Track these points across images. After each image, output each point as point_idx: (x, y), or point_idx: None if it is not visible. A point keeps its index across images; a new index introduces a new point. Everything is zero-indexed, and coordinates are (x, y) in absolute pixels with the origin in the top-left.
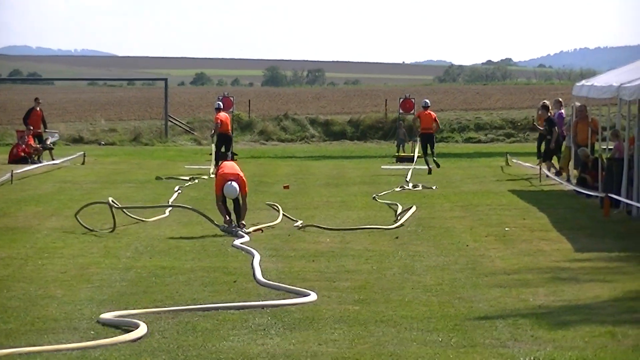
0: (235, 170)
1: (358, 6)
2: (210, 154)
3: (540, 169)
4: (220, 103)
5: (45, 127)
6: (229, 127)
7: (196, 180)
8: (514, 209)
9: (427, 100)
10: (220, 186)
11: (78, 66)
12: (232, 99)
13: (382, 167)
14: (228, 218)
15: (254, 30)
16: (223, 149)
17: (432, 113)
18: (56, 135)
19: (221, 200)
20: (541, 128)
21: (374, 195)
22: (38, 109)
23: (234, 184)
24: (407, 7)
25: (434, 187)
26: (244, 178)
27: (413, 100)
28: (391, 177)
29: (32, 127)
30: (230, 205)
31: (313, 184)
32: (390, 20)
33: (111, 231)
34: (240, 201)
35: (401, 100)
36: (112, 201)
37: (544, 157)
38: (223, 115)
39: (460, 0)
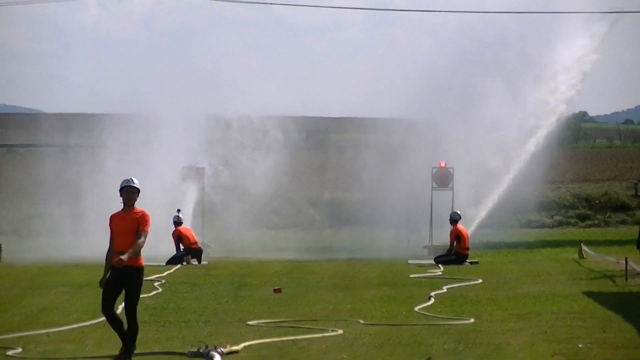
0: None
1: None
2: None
3: (627, 262)
4: (180, 215)
5: None
6: (195, 239)
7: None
8: (590, 319)
9: (458, 212)
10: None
11: None
12: (204, 169)
13: (408, 261)
14: None
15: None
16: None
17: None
18: None
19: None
20: None
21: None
22: None
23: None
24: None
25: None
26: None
27: (451, 170)
28: (422, 276)
29: None
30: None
31: (314, 286)
32: None
33: None
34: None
35: (434, 170)
36: None
37: None
38: (183, 228)
39: None
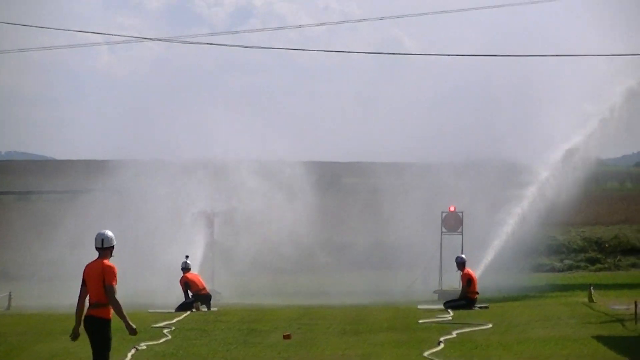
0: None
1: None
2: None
3: (636, 306)
4: (188, 261)
5: None
6: (203, 285)
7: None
8: None
9: (463, 256)
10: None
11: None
12: (213, 214)
13: (418, 306)
14: None
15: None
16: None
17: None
18: None
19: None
20: None
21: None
22: None
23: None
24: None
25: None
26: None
27: (461, 214)
28: (431, 320)
29: None
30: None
31: (324, 331)
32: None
33: None
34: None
35: (444, 214)
36: None
37: None
38: (191, 274)
39: None
